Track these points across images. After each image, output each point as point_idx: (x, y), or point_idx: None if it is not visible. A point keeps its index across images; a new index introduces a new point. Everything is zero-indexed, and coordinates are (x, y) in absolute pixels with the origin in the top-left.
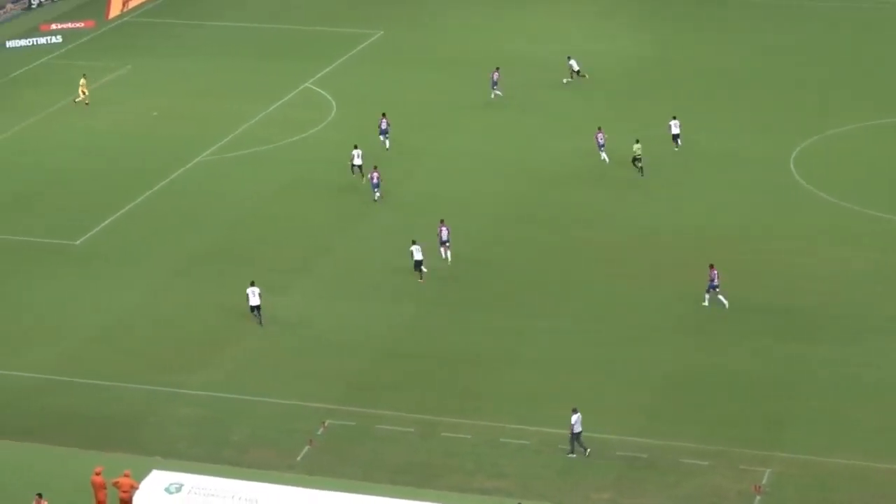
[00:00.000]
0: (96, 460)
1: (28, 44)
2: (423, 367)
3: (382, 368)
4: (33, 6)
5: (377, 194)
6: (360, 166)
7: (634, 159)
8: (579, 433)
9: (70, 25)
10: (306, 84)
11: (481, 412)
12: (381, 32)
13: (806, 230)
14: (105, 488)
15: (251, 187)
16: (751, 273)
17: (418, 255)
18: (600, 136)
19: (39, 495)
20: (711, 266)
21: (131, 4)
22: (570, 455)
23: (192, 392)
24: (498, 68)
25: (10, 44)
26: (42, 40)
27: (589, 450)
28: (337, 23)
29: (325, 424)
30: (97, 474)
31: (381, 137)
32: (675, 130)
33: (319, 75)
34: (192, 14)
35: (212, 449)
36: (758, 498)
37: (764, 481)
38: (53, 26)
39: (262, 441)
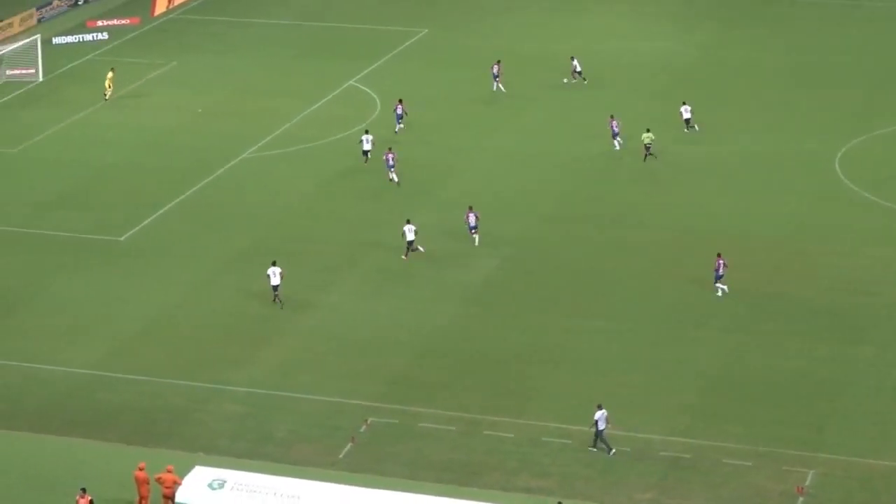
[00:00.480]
0: (140, 455)
1: (74, 40)
2: (465, 365)
3: (425, 366)
4: (80, 3)
5: (392, 176)
6: (368, 151)
7: (646, 147)
8: (602, 430)
9: (116, 22)
10: (350, 82)
11: (524, 411)
12: (426, 31)
13: (850, 231)
14: (148, 483)
15: (295, 185)
16: (795, 273)
17: (410, 236)
18: (614, 123)
19: (83, 490)
20: (719, 255)
21: (177, 2)
22: (590, 448)
23: (235, 388)
24: (499, 61)
25: (56, 40)
26: (88, 37)
27: (614, 450)
28: (381, 21)
29: (368, 422)
30: (140, 469)
31: (398, 123)
32: (687, 115)
33: (364, 73)
34: (237, 11)
35: (254, 445)
36: (801, 499)
37: (807, 482)
38: (100, 23)
39: (304, 438)
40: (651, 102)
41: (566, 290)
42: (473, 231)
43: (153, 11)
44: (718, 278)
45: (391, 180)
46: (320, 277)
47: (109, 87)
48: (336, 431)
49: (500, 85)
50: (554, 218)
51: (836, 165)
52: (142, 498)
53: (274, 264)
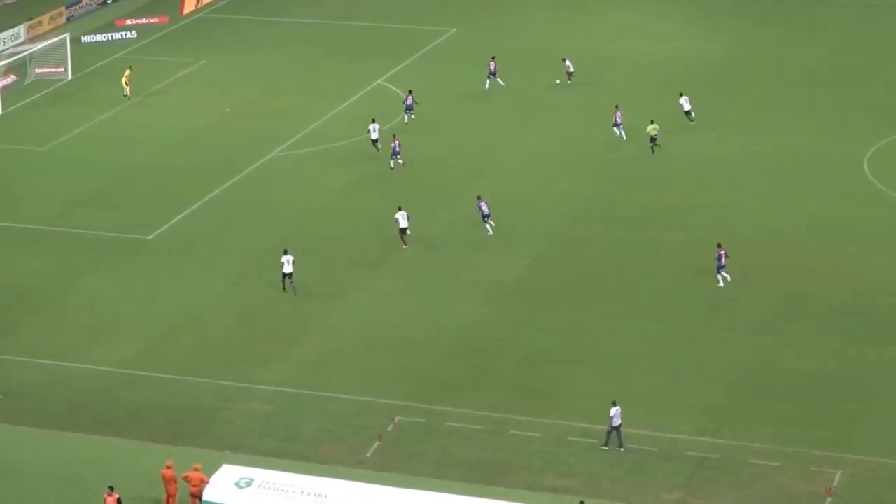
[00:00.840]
0: (167, 454)
1: (103, 39)
2: (492, 364)
3: (452, 366)
4: (109, 2)
5: (394, 161)
6: (376, 140)
7: (651, 139)
8: (618, 426)
9: (145, 21)
10: (379, 81)
11: (550, 410)
12: (455, 30)
13: (879, 231)
14: (175, 482)
15: (322, 184)
16: (823, 274)
17: (404, 223)
18: (618, 114)
19: (111, 488)
20: (719, 245)
21: (205, 1)
22: (602, 447)
23: (262, 387)
24: (494, 57)
25: (85, 39)
26: (117, 36)
27: (625, 447)
28: (410, 20)
29: (395, 421)
30: (168, 468)
31: (406, 112)
32: (687, 107)
33: (392, 72)
34: (265, 10)
35: (282, 444)
36: (829, 500)
37: (835, 483)
38: (128, 22)
39: (331, 437)
40: (676, 102)
41: (593, 289)
42: (487, 219)
43: (182, 10)
44: (720, 268)
45: (392, 168)
46: (348, 276)
47: (127, 84)
48: (363, 430)
49: (499, 79)
50: (581, 218)
51: (865, 166)
52: (169, 496)
53: (286, 252)
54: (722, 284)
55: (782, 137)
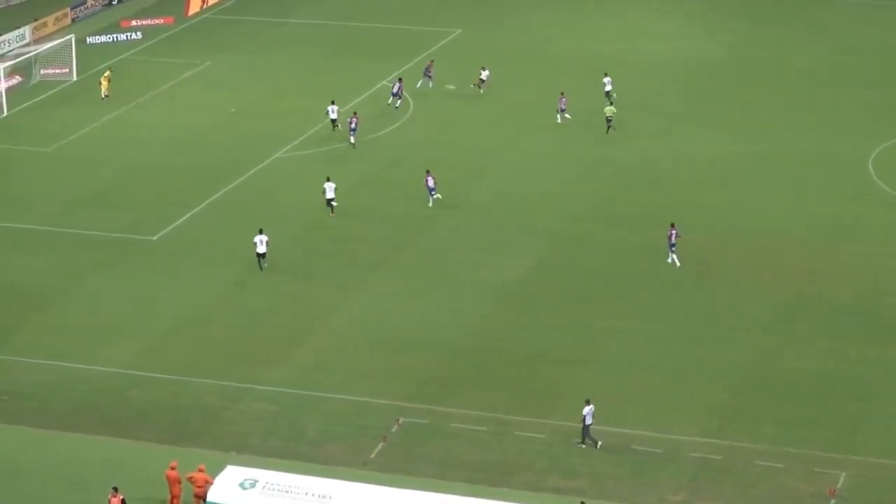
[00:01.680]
0: (172, 454)
1: (108, 40)
2: (496, 365)
3: (455, 366)
4: (114, 3)
5: (351, 139)
6: (335, 120)
7: (607, 119)
8: (589, 425)
9: (150, 22)
10: (384, 82)
11: (554, 411)
12: (459, 31)
13: (883, 232)
14: (180, 482)
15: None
16: (827, 274)
17: (330, 193)
18: (563, 101)
19: (115, 489)
20: (672, 225)
21: (210, 1)
22: (579, 445)
23: (267, 387)
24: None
25: (90, 40)
26: (122, 37)
27: (600, 443)
28: (414, 21)
29: (399, 422)
30: (172, 468)
31: (392, 98)
32: (608, 87)
33: (397, 73)
34: (270, 11)
35: (286, 444)
36: (833, 501)
37: (839, 485)
38: (134, 23)
39: (335, 437)
40: (680, 102)
41: (597, 290)
42: (432, 193)
43: (187, 11)
44: (672, 247)
45: (352, 143)
46: (351, 276)
47: (105, 84)
48: (367, 431)
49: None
50: (584, 218)
51: (870, 166)
52: (173, 497)
53: (261, 232)
54: (672, 262)
55: (784, 137)
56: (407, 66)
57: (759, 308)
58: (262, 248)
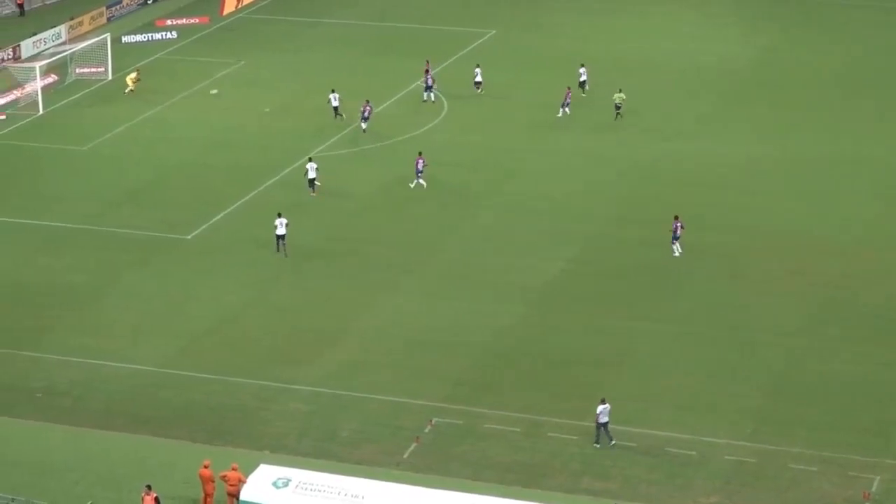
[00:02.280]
0: (205, 453)
1: (144, 39)
2: (529, 366)
3: (489, 368)
4: (149, 2)
5: (364, 126)
6: (337, 108)
7: (616, 106)
8: (605, 423)
9: (185, 21)
10: (419, 82)
11: (587, 412)
12: (494, 32)
13: None
14: (213, 481)
15: (362, 184)
16: (861, 278)
17: (312, 174)
18: (568, 95)
19: (148, 487)
20: (676, 217)
21: (245, 1)
22: (595, 445)
23: (301, 387)
24: (428, 61)
25: (125, 39)
26: (157, 36)
27: (614, 441)
28: (449, 22)
29: (432, 422)
30: (205, 467)
31: (426, 94)
32: (583, 77)
33: (432, 74)
34: (304, 11)
35: (319, 444)
36: None
37: (873, 489)
38: (169, 22)
39: (369, 438)
40: (713, 104)
41: (630, 292)
42: (419, 175)
43: (222, 10)
44: (675, 239)
45: (363, 130)
46: (386, 277)
47: (133, 82)
48: (400, 431)
49: (434, 93)
50: (619, 220)
51: None
52: (207, 495)
53: (280, 216)
54: (676, 255)
55: (816, 140)
56: (441, 67)
57: (791, 311)
58: (281, 230)
